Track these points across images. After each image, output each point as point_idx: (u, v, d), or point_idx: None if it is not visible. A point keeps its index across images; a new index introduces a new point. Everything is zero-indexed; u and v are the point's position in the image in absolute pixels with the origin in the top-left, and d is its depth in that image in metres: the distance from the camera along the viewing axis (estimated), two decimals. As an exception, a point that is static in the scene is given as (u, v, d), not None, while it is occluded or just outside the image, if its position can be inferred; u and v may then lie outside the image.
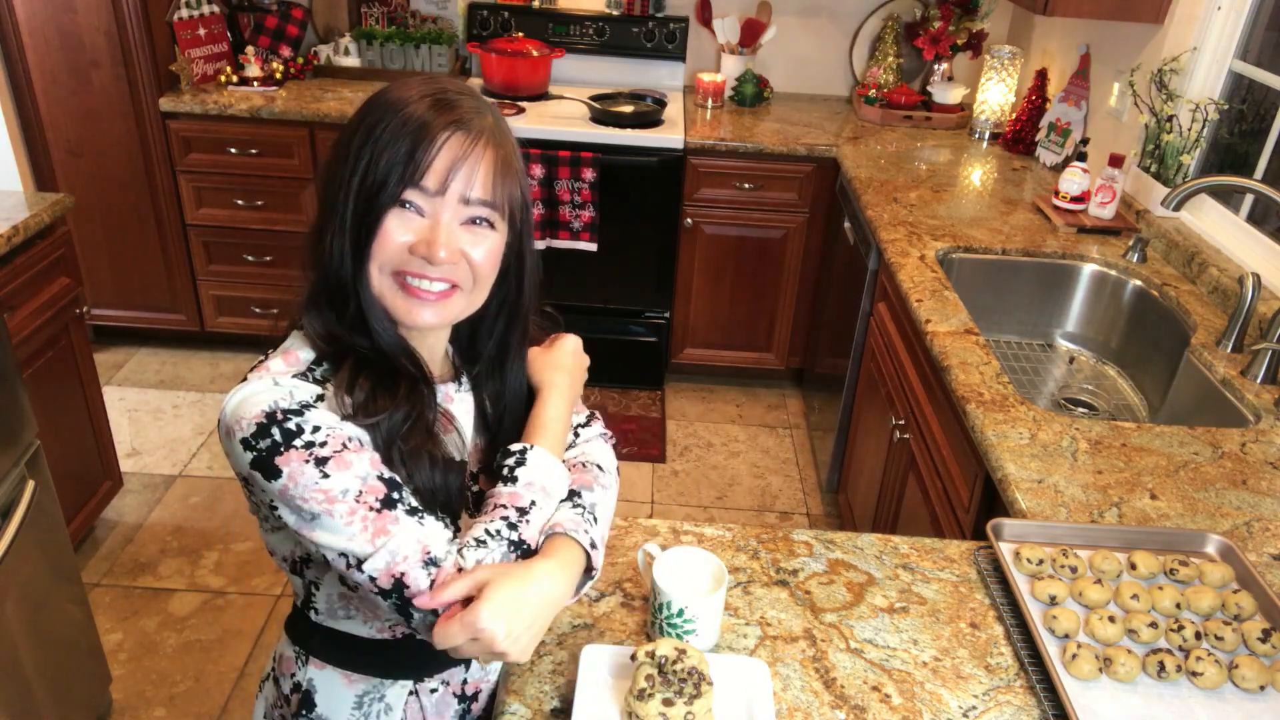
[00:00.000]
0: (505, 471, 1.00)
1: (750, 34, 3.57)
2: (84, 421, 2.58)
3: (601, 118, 3.24)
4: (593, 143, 3.14)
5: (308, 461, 0.89)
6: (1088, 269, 2.37)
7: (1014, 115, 3.28)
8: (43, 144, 3.18)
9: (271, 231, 3.35)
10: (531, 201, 1.04)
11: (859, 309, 2.67)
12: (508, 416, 1.11)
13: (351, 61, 3.49)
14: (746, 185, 3.24)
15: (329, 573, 1.02)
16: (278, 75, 3.33)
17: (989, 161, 3.14)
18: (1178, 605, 1.22)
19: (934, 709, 1.09)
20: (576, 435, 1.15)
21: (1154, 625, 1.17)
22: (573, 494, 1.04)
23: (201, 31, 3.27)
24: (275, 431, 0.89)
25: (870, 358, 2.55)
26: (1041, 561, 1.27)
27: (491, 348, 1.10)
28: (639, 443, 3.30)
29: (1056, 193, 2.58)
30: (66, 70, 3.07)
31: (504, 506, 0.97)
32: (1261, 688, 1.12)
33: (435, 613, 0.90)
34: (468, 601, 0.89)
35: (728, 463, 3.26)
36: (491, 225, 0.98)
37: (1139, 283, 2.28)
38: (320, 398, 0.93)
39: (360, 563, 0.89)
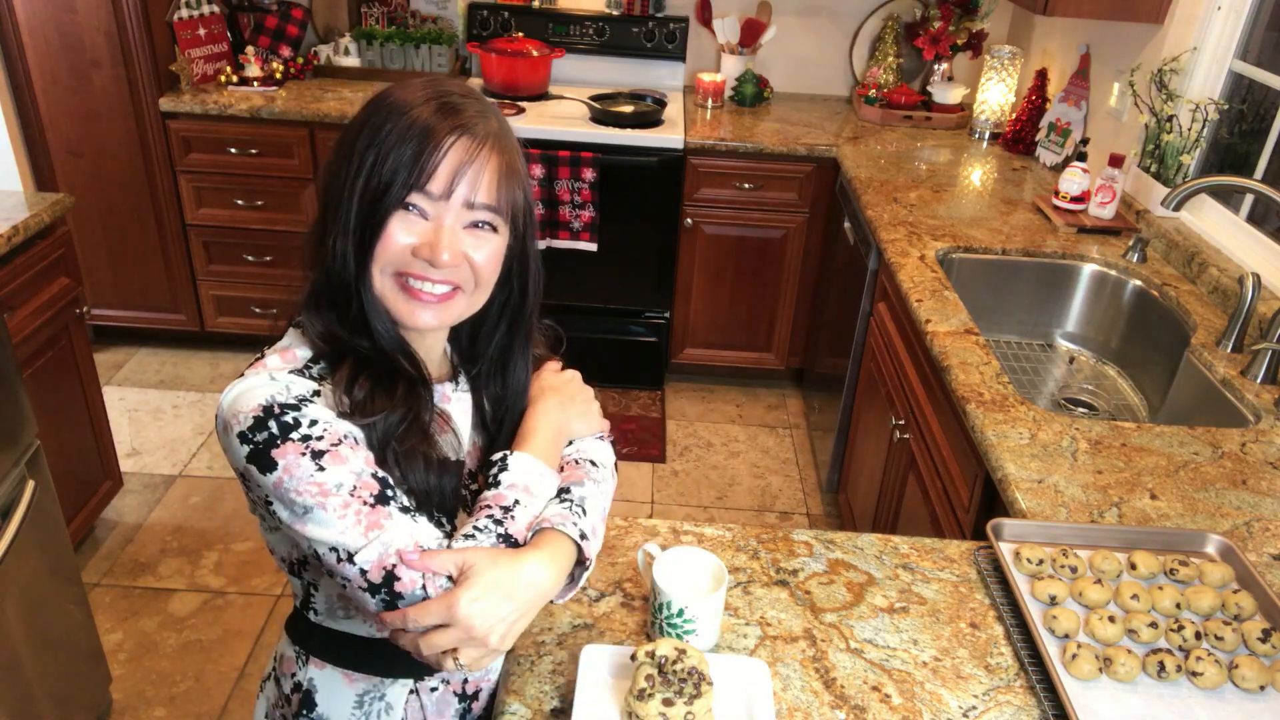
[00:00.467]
0: (489, 478, 1.00)
1: (750, 34, 3.57)
2: (84, 421, 2.58)
3: (601, 118, 3.24)
4: (593, 143, 3.14)
5: (304, 454, 0.89)
6: (1088, 269, 2.37)
7: (1014, 115, 3.28)
8: (43, 144, 3.18)
9: (271, 231, 3.35)
10: (534, 204, 1.05)
11: (859, 309, 2.67)
12: (509, 419, 1.11)
13: (351, 61, 3.49)
14: (746, 185, 3.24)
15: (324, 575, 1.02)
16: (278, 75, 3.33)
17: (989, 161, 3.14)
18: (1178, 605, 1.22)
19: (934, 709, 1.09)
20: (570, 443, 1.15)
21: (1154, 625, 1.17)
22: (562, 491, 1.04)
23: (201, 31, 3.27)
24: (272, 425, 0.89)
25: (870, 358, 2.55)
26: (1041, 561, 1.27)
27: (494, 350, 1.10)
28: (639, 443, 3.30)
29: (1056, 193, 2.58)
30: (66, 70, 3.07)
31: (489, 506, 0.97)
32: (1261, 688, 1.12)
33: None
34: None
35: (728, 463, 3.26)
36: (494, 229, 0.98)
37: (1139, 283, 2.28)
38: (316, 393, 0.93)
39: (351, 556, 0.89)
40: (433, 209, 0.94)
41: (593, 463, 1.09)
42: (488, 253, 0.98)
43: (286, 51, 3.47)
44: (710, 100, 3.52)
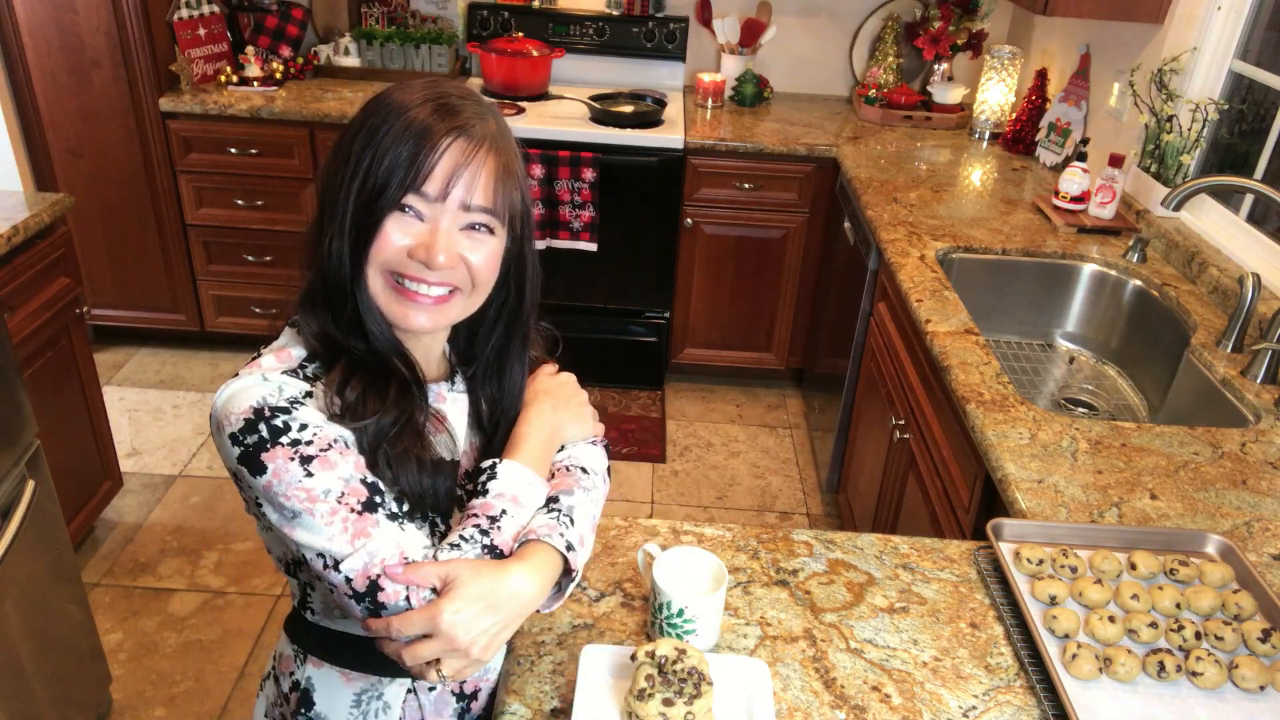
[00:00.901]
0: (478, 486, 1.00)
1: (750, 34, 3.57)
2: (84, 421, 2.58)
3: (601, 118, 3.24)
4: (593, 143, 3.14)
5: (293, 459, 0.89)
6: (1088, 269, 2.37)
7: (1014, 115, 3.28)
8: (43, 144, 3.18)
9: (271, 231, 3.35)
10: (532, 205, 1.05)
11: (859, 309, 2.67)
12: (504, 421, 1.11)
13: (351, 61, 3.49)
14: (746, 185, 3.24)
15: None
16: (278, 75, 3.33)
17: (989, 161, 3.14)
18: (1178, 605, 1.22)
19: (934, 709, 1.09)
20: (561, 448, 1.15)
21: (1154, 625, 1.17)
22: (550, 500, 1.03)
23: (201, 31, 3.27)
24: (262, 428, 0.89)
25: (870, 358, 2.55)
26: (1041, 561, 1.27)
27: (490, 352, 1.10)
28: (639, 443, 3.30)
29: (1056, 193, 2.58)
30: (66, 70, 3.07)
31: (476, 515, 0.97)
32: (1261, 688, 1.12)
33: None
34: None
35: (728, 463, 3.26)
36: (491, 231, 0.98)
37: (1139, 283, 2.28)
38: (309, 394, 0.93)
39: (338, 563, 0.89)
40: (429, 211, 0.94)
41: (584, 469, 1.08)
42: (484, 255, 0.98)
43: (286, 51, 3.47)
44: (710, 100, 3.52)
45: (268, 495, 0.89)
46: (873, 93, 3.49)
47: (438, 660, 0.90)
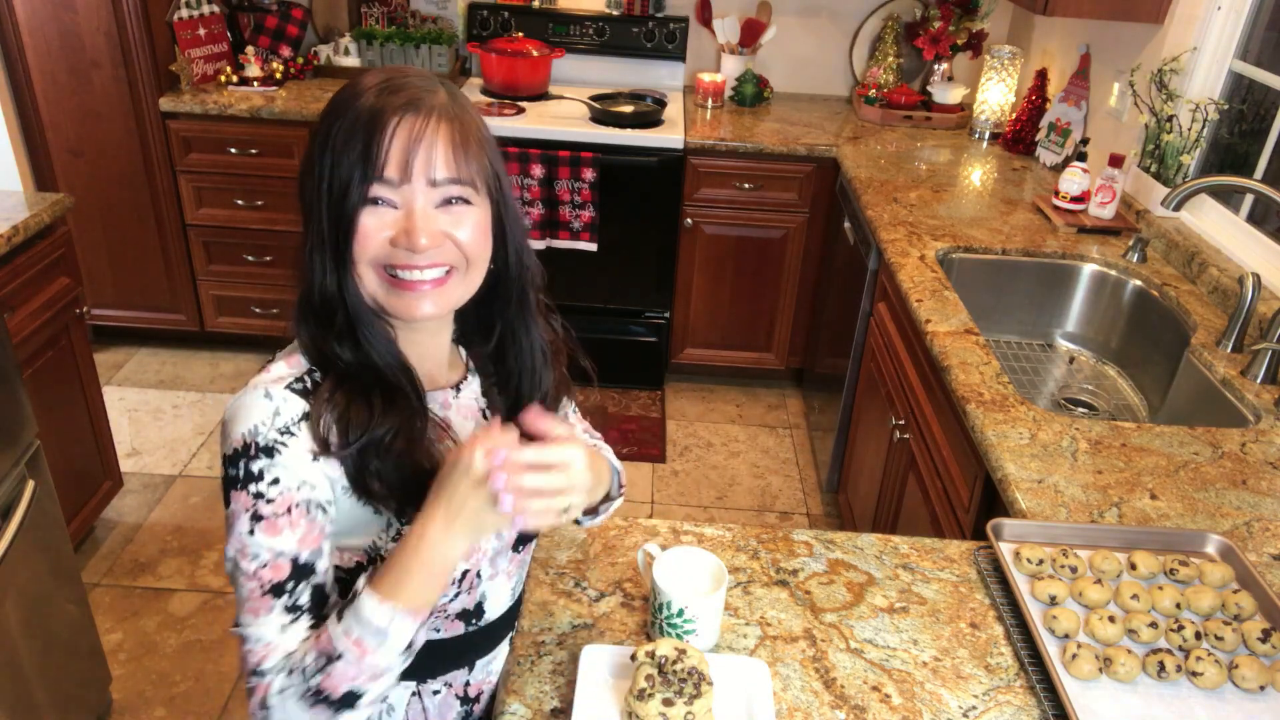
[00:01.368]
0: (338, 617, 0.92)
1: (750, 34, 3.57)
2: (84, 421, 2.58)
3: (601, 118, 3.24)
4: (593, 143, 3.14)
5: (249, 510, 0.92)
6: (1088, 269, 2.37)
7: (1014, 115, 3.28)
8: (43, 144, 3.18)
9: (271, 231, 3.35)
10: (505, 170, 1.03)
11: (859, 309, 2.67)
12: (519, 403, 1.10)
13: (351, 61, 3.49)
14: (746, 185, 3.24)
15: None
16: (278, 75, 3.33)
17: (989, 161, 3.14)
18: (1178, 605, 1.22)
19: (934, 709, 1.09)
20: None
21: (1154, 625, 1.17)
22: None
23: (201, 31, 3.27)
24: (243, 465, 0.92)
25: (870, 358, 2.55)
26: (1041, 561, 1.27)
27: (498, 327, 1.09)
28: (639, 443, 3.30)
29: (1056, 193, 2.58)
30: (66, 70, 3.07)
31: (321, 641, 0.91)
32: (1261, 688, 1.12)
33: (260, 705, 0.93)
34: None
35: (728, 463, 3.26)
36: (468, 201, 0.96)
37: (1139, 283, 2.28)
38: (305, 416, 0.94)
39: (236, 624, 0.95)
40: (398, 196, 0.93)
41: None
42: (470, 227, 0.96)
43: (286, 51, 3.47)
44: (710, 100, 3.52)
45: (226, 534, 0.94)
46: (873, 93, 3.49)
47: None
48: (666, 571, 1.13)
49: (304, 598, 0.96)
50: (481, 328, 1.11)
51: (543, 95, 3.45)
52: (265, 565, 0.93)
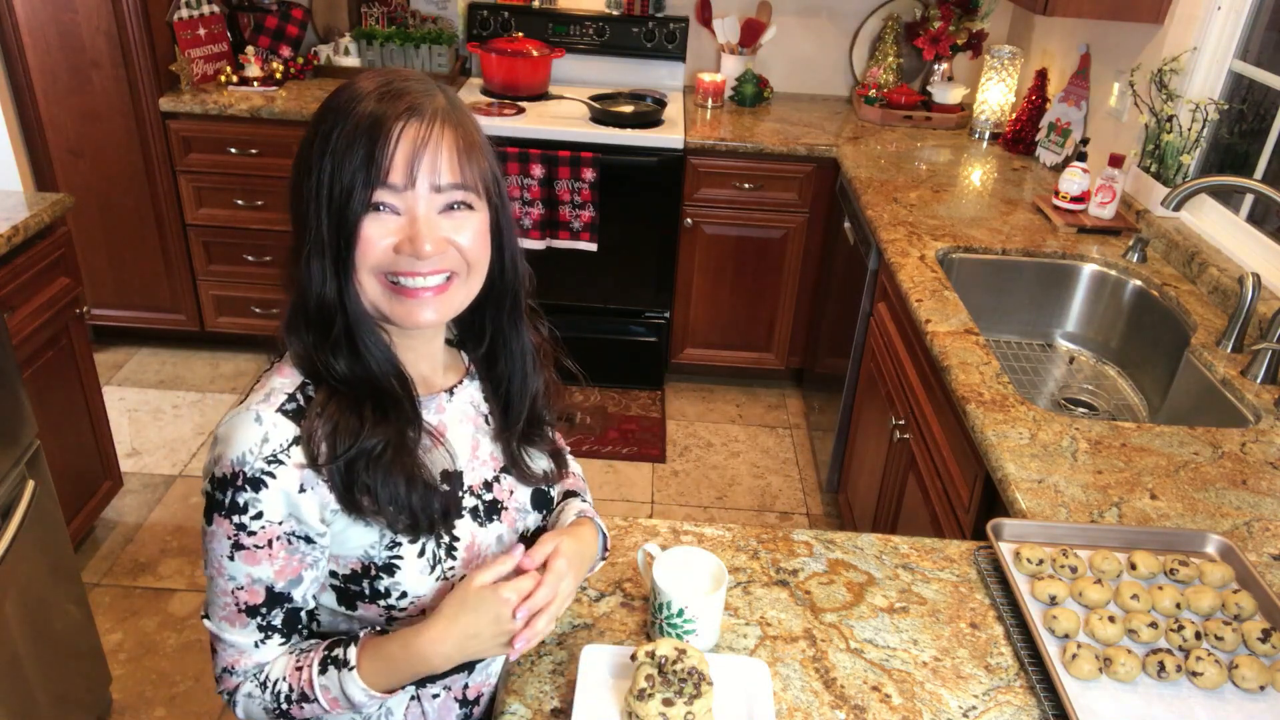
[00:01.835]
0: (321, 668, 0.99)
1: (750, 34, 3.57)
2: (84, 421, 2.58)
3: (601, 118, 3.24)
4: (593, 143, 3.14)
5: (229, 537, 0.94)
6: (1088, 269, 2.37)
7: (1014, 115, 3.28)
8: (43, 144, 3.18)
9: (271, 231, 3.35)
10: (503, 174, 1.03)
11: (859, 309, 2.67)
12: (512, 406, 1.11)
13: (351, 61, 3.49)
14: (746, 185, 3.24)
15: (324, 593, 1.03)
16: (278, 75, 3.33)
17: (989, 161, 3.14)
18: (1178, 605, 1.22)
19: (934, 709, 1.09)
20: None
21: (1154, 625, 1.17)
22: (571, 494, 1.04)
23: (201, 31, 3.27)
24: (229, 494, 0.93)
25: (870, 358, 2.55)
26: (1041, 561, 1.27)
27: (489, 329, 1.09)
28: (639, 443, 3.30)
29: (1056, 193, 2.58)
30: (66, 70, 3.07)
31: (299, 673, 0.99)
32: (1261, 688, 1.12)
33: (225, 695, 1.03)
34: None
35: (728, 463, 3.26)
36: (470, 206, 0.96)
37: (1139, 283, 2.28)
38: (296, 441, 0.94)
39: (206, 614, 1.01)
40: (401, 202, 0.93)
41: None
42: (471, 233, 0.96)
43: (286, 51, 3.47)
44: (710, 100, 3.52)
45: (202, 539, 0.97)
46: (873, 93, 3.49)
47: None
48: (666, 571, 1.13)
49: (277, 620, 0.99)
50: (473, 332, 1.11)
51: (543, 95, 3.45)
52: (241, 588, 0.97)
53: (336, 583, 1.01)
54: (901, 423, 2.17)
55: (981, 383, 1.74)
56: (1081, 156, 2.61)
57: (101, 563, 2.65)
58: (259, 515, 0.93)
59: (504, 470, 1.11)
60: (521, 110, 3.30)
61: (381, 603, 1.01)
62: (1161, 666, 1.12)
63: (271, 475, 0.92)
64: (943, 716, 1.08)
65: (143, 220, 3.33)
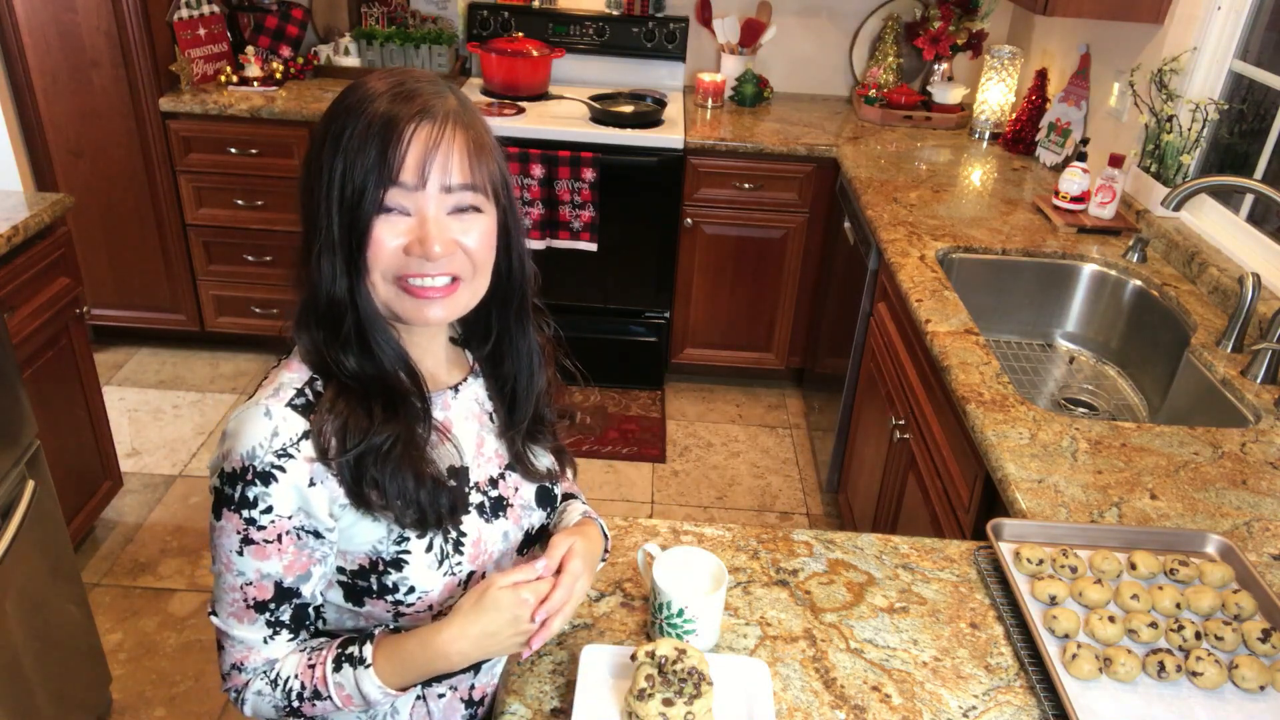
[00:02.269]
0: (335, 665, 1.00)
1: (750, 34, 3.57)
2: (84, 421, 2.58)
3: (601, 118, 3.24)
4: (593, 143, 3.14)
5: (238, 532, 0.94)
6: (1088, 269, 2.37)
7: (1014, 115, 3.28)
8: (43, 144, 3.18)
9: (271, 231, 3.35)
10: (510, 175, 1.03)
11: (859, 309, 2.67)
12: (518, 405, 1.11)
13: (351, 61, 3.49)
14: (746, 185, 3.24)
15: (331, 589, 1.03)
16: (278, 75, 3.33)
17: (989, 161, 3.14)
18: (1178, 605, 1.22)
19: (934, 709, 1.09)
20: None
21: (1154, 625, 1.17)
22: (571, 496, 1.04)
23: (201, 31, 3.27)
24: (238, 488, 0.93)
25: (870, 358, 2.55)
26: (1041, 561, 1.27)
27: (495, 328, 1.10)
28: (639, 443, 3.30)
29: (1056, 193, 2.58)
30: (66, 70, 3.07)
31: (313, 671, 1.00)
32: (1261, 688, 1.12)
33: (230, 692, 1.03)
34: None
35: (728, 463, 3.26)
36: (478, 209, 0.97)
37: (1139, 283, 2.28)
38: (305, 435, 0.94)
39: (213, 611, 1.01)
40: (412, 203, 0.93)
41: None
42: (478, 235, 0.97)
43: (286, 51, 3.47)
44: (710, 100, 3.52)
45: (210, 535, 0.97)
46: (873, 93, 3.49)
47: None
48: (666, 571, 1.13)
49: (286, 616, 0.99)
50: (479, 331, 1.11)
51: (543, 95, 3.45)
52: (250, 583, 0.97)
53: (344, 579, 1.01)
54: (901, 423, 2.17)
55: (981, 383, 1.74)
56: (1081, 156, 2.61)
57: (101, 563, 2.65)
58: (268, 510, 0.93)
59: (509, 467, 1.11)
60: (521, 110, 3.30)
61: (389, 598, 1.01)
62: (1161, 666, 1.12)
63: (281, 469, 0.93)
64: (943, 716, 1.08)
65: (143, 220, 3.33)
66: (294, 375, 0.98)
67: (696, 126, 3.29)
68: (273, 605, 0.98)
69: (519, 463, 1.12)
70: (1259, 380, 1.81)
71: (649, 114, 3.30)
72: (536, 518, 1.14)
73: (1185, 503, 1.45)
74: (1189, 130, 2.39)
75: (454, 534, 1.03)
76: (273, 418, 0.93)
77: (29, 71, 3.06)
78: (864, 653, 1.16)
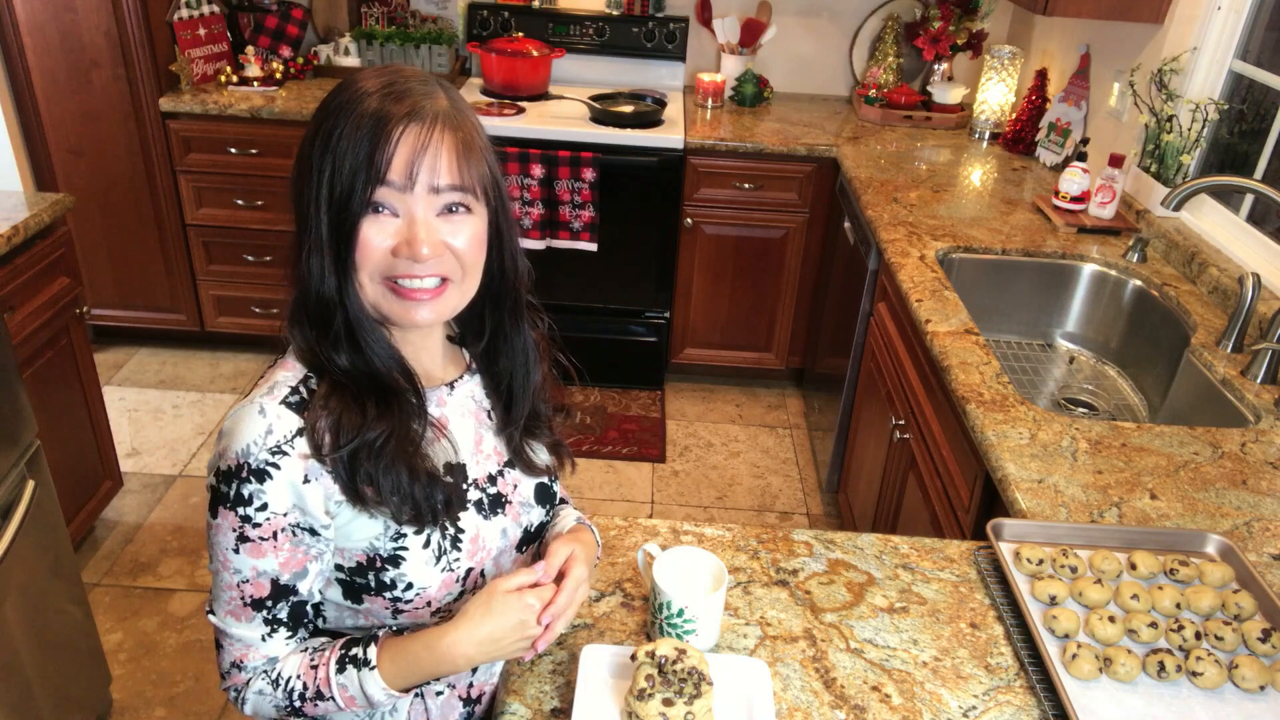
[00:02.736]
0: (339, 666, 1.00)
1: (750, 34, 3.57)
2: (84, 421, 2.58)
3: (601, 118, 3.24)
4: (593, 143, 3.14)
5: (234, 529, 0.95)
6: (1088, 269, 2.37)
7: (1014, 115, 3.28)
8: (43, 144, 3.18)
9: (271, 231, 3.35)
10: (504, 176, 1.03)
11: (859, 309, 2.67)
12: (515, 403, 1.11)
13: (351, 61, 3.49)
14: (746, 185, 3.24)
15: (330, 587, 1.03)
16: (278, 75, 3.33)
17: (989, 161, 3.14)
18: (1178, 605, 1.22)
19: (934, 709, 1.09)
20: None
21: (1154, 625, 1.17)
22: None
23: (201, 31, 3.27)
24: (234, 486, 0.93)
25: (870, 358, 2.55)
26: (1041, 561, 1.27)
27: (488, 327, 1.10)
28: (639, 443, 3.30)
29: (1056, 193, 2.58)
30: (66, 70, 3.07)
31: (315, 671, 1.00)
32: (1261, 688, 1.12)
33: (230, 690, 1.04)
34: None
35: (728, 463, 3.26)
36: (468, 209, 0.97)
37: (1139, 283, 2.28)
38: (300, 432, 0.94)
39: (211, 610, 1.02)
40: (400, 203, 0.93)
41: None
42: (467, 237, 0.97)
43: (286, 51, 3.47)
44: (710, 100, 3.52)
45: (206, 533, 0.97)
46: (873, 93, 3.49)
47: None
48: (666, 571, 1.14)
49: (283, 613, 1.00)
50: (474, 328, 1.11)
51: (543, 95, 3.45)
52: (247, 581, 0.97)
53: (342, 576, 1.02)
54: (901, 423, 2.17)
55: (981, 383, 1.74)
56: (1081, 156, 2.61)
57: (101, 563, 2.65)
58: (264, 507, 0.94)
59: (508, 464, 1.11)
60: (521, 110, 3.30)
61: (387, 595, 1.01)
62: (1161, 666, 1.12)
63: (276, 466, 0.93)
64: (943, 716, 1.08)
65: (143, 220, 3.33)
66: (289, 373, 0.98)
67: (696, 126, 3.29)
68: (270, 603, 0.98)
69: (518, 458, 1.12)
70: (1259, 380, 1.81)
71: (649, 114, 3.30)
72: (536, 515, 1.14)
73: (1185, 503, 1.45)
74: (1189, 130, 2.39)
75: (452, 530, 1.03)
76: (267, 415, 0.94)
77: (29, 71, 3.06)
78: (864, 653, 1.16)
